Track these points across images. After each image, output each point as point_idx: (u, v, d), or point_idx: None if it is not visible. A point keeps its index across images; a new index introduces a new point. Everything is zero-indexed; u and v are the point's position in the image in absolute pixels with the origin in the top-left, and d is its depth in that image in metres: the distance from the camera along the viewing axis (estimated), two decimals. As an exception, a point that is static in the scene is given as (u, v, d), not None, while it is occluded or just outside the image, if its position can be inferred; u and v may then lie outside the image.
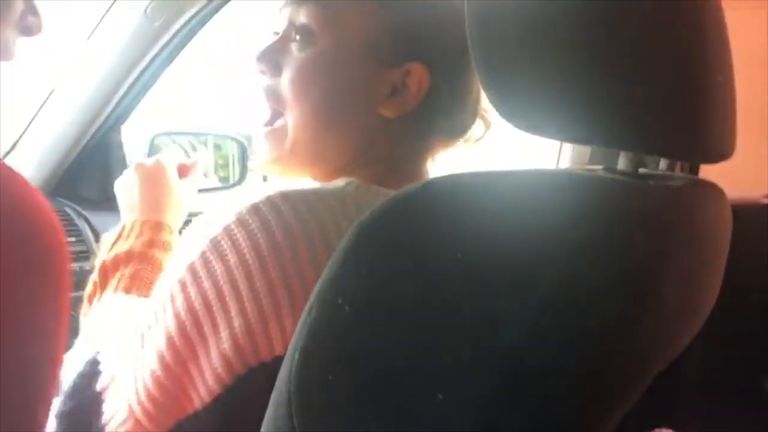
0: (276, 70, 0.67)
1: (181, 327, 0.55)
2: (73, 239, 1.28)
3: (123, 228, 0.83)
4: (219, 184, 1.67)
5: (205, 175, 1.69)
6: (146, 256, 0.78)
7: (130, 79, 1.29)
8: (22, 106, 1.39)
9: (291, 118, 0.66)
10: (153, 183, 0.86)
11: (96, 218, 1.34)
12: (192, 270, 0.55)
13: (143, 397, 0.57)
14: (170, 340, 0.56)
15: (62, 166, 1.36)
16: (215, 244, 0.55)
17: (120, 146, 1.41)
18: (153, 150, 1.47)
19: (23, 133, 1.37)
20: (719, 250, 0.58)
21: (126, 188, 0.87)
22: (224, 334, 0.54)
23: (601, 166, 0.53)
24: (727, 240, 0.58)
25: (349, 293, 0.45)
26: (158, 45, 1.26)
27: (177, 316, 0.56)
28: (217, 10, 1.27)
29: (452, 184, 0.46)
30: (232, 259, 0.54)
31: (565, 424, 0.47)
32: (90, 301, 0.77)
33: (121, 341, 0.62)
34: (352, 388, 0.44)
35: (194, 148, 1.62)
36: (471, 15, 0.46)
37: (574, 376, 0.45)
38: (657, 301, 0.48)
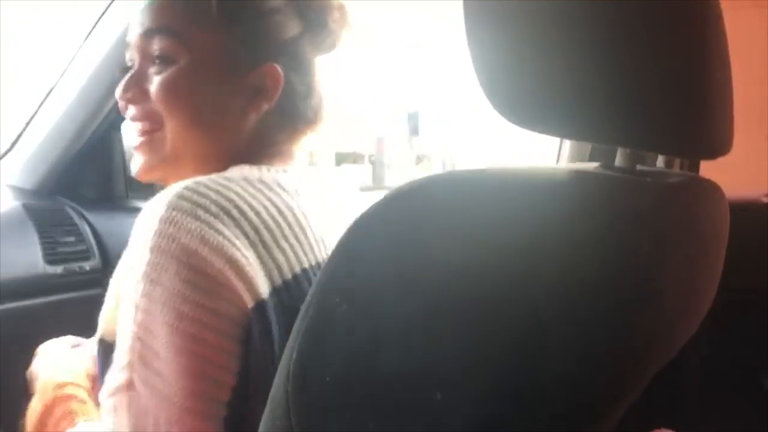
0: (143, 95, 0.72)
1: (175, 319, 0.57)
2: (73, 239, 1.27)
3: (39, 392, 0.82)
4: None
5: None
6: (64, 413, 0.77)
7: (130, 78, 1.29)
8: (22, 104, 1.39)
9: (168, 130, 0.71)
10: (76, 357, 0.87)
11: (96, 217, 1.34)
12: (149, 279, 0.58)
13: (183, 400, 0.58)
14: (181, 349, 0.57)
15: (62, 165, 1.36)
16: (157, 249, 0.58)
17: (121, 145, 1.41)
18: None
19: (23, 131, 1.37)
20: (717, 247, 0.58)
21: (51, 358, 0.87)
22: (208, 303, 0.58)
23: (597, 163, 0.53)
24: (724, 237, 0.58)
25: (346, 292, 0.45)
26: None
27: (165, 317, 0.57)
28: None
29: (449, 181, 0.46)
30: (178, 251, 0.58)
31: (563, 422, 0.47)
32: None
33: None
34: (350, 387, 0.44)
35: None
36: (468, 12, 0.46)
37: (572, 375, 0.45)
38: (655, 298, 0.48)
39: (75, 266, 1.25)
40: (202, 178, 0.63)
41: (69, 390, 0.78)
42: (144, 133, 0.73)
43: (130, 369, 0.59)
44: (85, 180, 1.39)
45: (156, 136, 0.72)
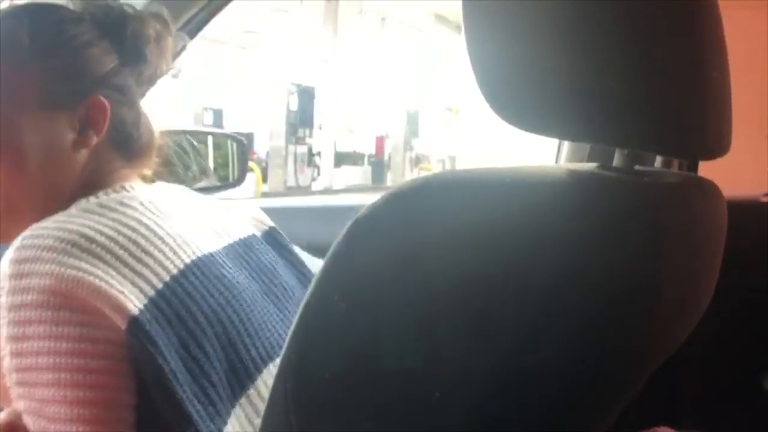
0: None
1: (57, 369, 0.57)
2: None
3: None
4: (218, 183, 1.66)
5: (205, 174, 1.69)
6: None
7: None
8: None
9: None
10: None
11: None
12: (15, 338, 0.58)
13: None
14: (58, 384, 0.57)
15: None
16: (15, 306, 0.58)
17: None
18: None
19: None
20: (715, 247, 0.58)
21: None
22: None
23: (596, 163, 0.53)
24: (722, 236, 0.58)
25: (344, 291, 0.45)
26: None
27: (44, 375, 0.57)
28: (217, 11, 1.27)
29: (447, 181, 0.47)
30: (35, 304, 0.57)
31: (562, 421, 0.47)
32: None
33: None
34: (349, 386, 0.44)
35: (194, 147, 1.62)
36: (466, 12, 0.46)
37: (570, 373, 0.45)
38: (652, 297, 0.48)
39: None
40: (40, 223, 0.62)
41: None
42: None
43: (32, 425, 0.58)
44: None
45: None
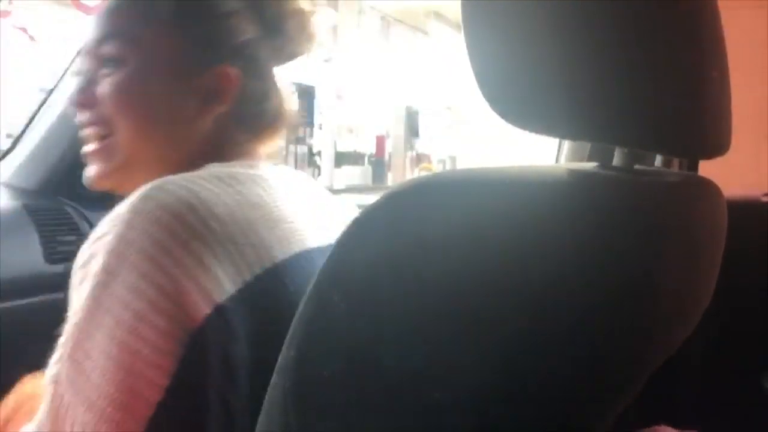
0: (93, 99, 0.71)
1: (118, 319, 0.56)
2: (73, 238, 1.28)
3: None
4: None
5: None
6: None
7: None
8: (22, 104, 1.39)
9: (119, 135, 0.70)
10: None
11: (96, 217, 1.34)
12: (108, 270, 0.56)
13: (104, 406, 0.56)
14: (113, 337, 0.56)
15: (62, 165, 1.36)
16: (122, 237, 0.56)
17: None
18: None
19: (24, 131, 1.37)
20: (715, 247, 0.58)
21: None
22: (165, 302, 0.56)
23: (596, 163, 0.53)
24: (722, 236, 0.58)
25: (344, 290, 0.45)
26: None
27: (112, 314, 0.56)
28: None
29: (446, 181, 0.47)
30: (145, 242, 0.56)
31: (562, 421, 0.47)
32: None
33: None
34: (348, 385, 0.44)
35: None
36: (466, 12, 0.46)
37: (570, 373, 0.45)
38: (652, 297, 0.48)
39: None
40: (171, 177, 0.61)
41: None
42: (96, 139, 0.72)
43: (60, 363, 0.58)
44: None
45: (108, 142, 0.71)
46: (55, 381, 0.58)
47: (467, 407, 0.43)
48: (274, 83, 0.76)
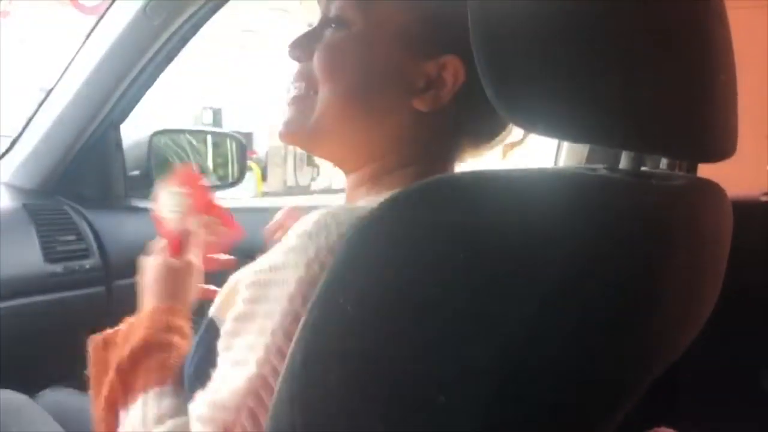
0: (309, 54, 0.66)
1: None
2: (72, 237, 1.28)
3: (137, 317, 0.77)
4: (218, 183, 1.67)
5: (205, 173, 1.69)
6: (165, 343, 0.72)
7: (129, 78, 1.30)
8: (21, 104, 1.39)
9: (322, 95, 0.65)
10: (180, 282, 0.80)
11: (95, 216, 1.34)
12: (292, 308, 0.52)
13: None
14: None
15: (61, 165, 1.36)
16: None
17: (119, 145, 1.41)
18: (152, 148, 1.47)
19: (22, 131, 1.37)
20: (720, 250, 0.58)
21: (151, 276, 0.80)
22: None
23: (602, 165, 0.52)
24: (728, 239, 0.58)
25: (350, 293, 0.45)
26: (157, 44, 1.26)
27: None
28: (216, 9, 1.27)
29: (453, 182, 0.46)
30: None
31: (566, 423, 0.47)
32: (111, 405, 0.70)
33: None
34: (354, 389, 0.44)
35: (193, 146, 1.62)
36: (473, 13, 0.45)
37: (574, 376, 0.45)
38: (657, 300, 0.48)
39: (75, 265, 1.25)
40: (349, 206, 0.57)
41: (174, 339, 0.72)
42: (298, 90, 0.67)
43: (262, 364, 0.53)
44: (85, 180, 1.39)
45: (309, 97, 0.66)
46: (260, 382, 0.54)
47: (471, 409, 0.43)
48: None
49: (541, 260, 0.43)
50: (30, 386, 1.09)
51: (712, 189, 0.56)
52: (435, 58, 0.63)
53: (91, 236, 1.30)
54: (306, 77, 0.66)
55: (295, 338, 0.47)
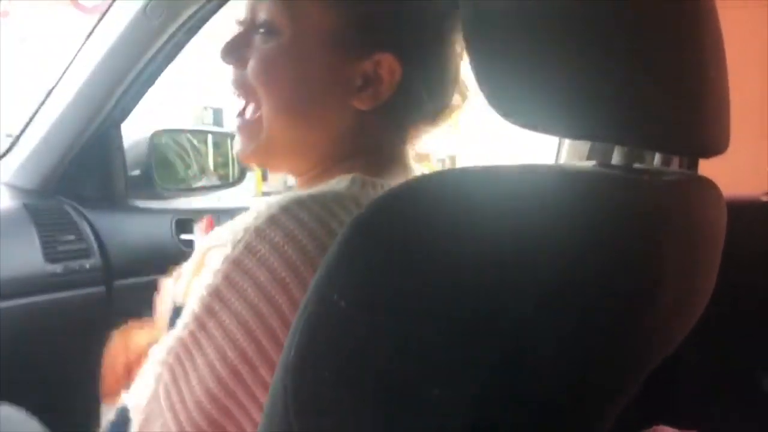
0: (242, 62, 0.66)
1: (222, 355, 0.54)
2: (72, 237, 1.28)
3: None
4: (218, 182, 1.67)
5: (205, 173, 1.69)
6: None
7: (130, 78, 1.30)
8: (21, 104, 1.39)
9: (265, 111, 0.65)
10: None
11: (96, 216, 1.34)
12: (218, 295, 0.54)
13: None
14: (213, 371, 0.54)
15: (62, 165, 1.36)
16: (238, 264, 0.54)
17: (120, 144, 1.41)
18: (152, 148, 1.47)
19: (23, 131, 1.37)
20: (714, 245, 0.58)
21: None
22: (272, 350, 0.54)
23: (594, 161, 0.53)
24: (721, 235, 0.58)
25: (344, 290, 0.45)
26: (157, 44, 1.26)
27: (215, 345, 0.54)
28: (216, 8, 1.27)
29: (445, 180, 0.46)
30: (262, 275, 0.54)
31: (562, 419, 0.47)
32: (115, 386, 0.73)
33: (147, 380, 0.59)
34: (348, 384, 0.44)
35: (194, 146, 1.62)
36: (465, 11, 0.46)
37: (570, 372, 0.45)
38: (651, 296, 0.48)
39: (75, 264, 1.25)
40: (308, 193, 0.57)
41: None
42: (241, 114, 0.68)
43: (165, 367, 0.56)
44: (85, 180, 1.39)
45: (254, 119, 0.66)
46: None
47: (467, 406, 0.43)
48: (443, 79, 0.68)
49: (532, 258, 0.43)
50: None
51: (705, 185, 0.56)
52: (368, 57, 0.63)
53: (91, 236, 1.31)
54: (242, 85, 0.67)
55: (289, 333, 0.47)
